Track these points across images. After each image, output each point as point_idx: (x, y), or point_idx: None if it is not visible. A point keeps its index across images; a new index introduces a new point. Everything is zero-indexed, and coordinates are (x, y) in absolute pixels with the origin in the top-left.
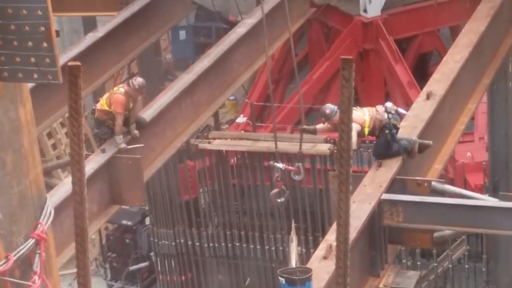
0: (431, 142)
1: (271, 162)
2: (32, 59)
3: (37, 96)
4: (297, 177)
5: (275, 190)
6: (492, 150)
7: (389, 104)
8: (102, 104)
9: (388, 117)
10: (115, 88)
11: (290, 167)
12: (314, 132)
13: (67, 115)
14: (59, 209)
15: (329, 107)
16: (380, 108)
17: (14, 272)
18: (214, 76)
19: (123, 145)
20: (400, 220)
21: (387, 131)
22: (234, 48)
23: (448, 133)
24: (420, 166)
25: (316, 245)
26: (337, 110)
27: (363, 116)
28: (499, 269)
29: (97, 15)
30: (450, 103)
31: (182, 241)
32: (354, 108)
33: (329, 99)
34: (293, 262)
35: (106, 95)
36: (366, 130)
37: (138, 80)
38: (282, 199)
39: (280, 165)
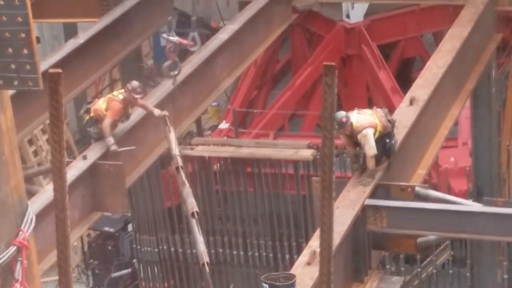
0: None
1: (164, 35)
2: (13, 66)
3: (18, 102)
4: (193, 49)
5: (167, 62)
6: (475, 155)
7: (386, 110)
8: (101, 106)
9: (392, 126)
10: (115, 93)
11: (184, 41)
12: None
13: (48, 121)
14: (41, 216)
15: (343, 115)
16: (380, 112)
17: None
18: (196, 82)
19: (114, 147)
20: (384, 225)
21: (387, 140)
22: (216, 54)
23: (431, 139)
24: (404, 171)
25: (299, 251)
26: (350, 118)
27: (374, 120)
28: (483, 275)
29: (78, 21)
30: (433, 108)
31: (165, 247)
32: (358, 112)
33: (312, 105)
34: (175, 149)
35: (104, 98)
36: (377, 134)
37: (132, 83)
38: (176, 72)
39: (174, 38)
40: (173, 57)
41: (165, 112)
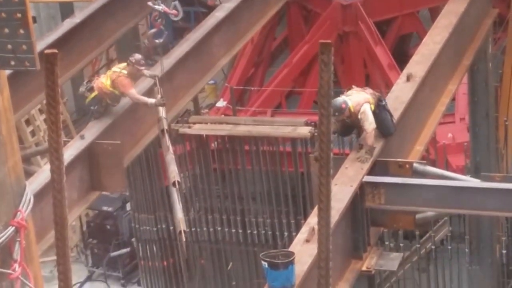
0: None
1: (149, 3)
2: (9, 46)
3: (15, 82)
4: (175, 18)
5: (153, 30)
6: (473, 131)
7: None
8: (105, 84)
9: (374, 92)
10: (117, 69)
11: (168, 10)
12: None
13: (45, 101)
14: (39, 196)
15: (342, 101)
16: (357, 88)
17: None
18: (193, 60)
19: (158, 101)
20: (382, 202)
21: (383, 103)
22: (213, 32)
23: (429, 115)
24: (402, 147)
25: (298, 228)
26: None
27: (364, 95)
28: (482, 250)
29: (74, 0)
30: (430, 84)
31: (163, 226)
32: (346, 95)
33: (309, 82)
34: (162, 112)
35: (106, 75)
36: (373, 106)
37: (135, 56)
38: (161, 40)
39: (159, 7)
40: (158, 26)
41: (156, 73)
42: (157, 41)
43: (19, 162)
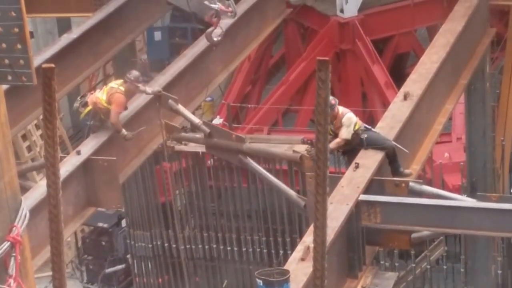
0: None
1: (206, 2)
2: (6, 61)
3: (12, 97)
4: (230, 15)
5: (211, 28)
6: (469, 150)
7: None
8: (100, 99)
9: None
10: (114, 85)
11: (224, 8)
12: None
13: (42, 116)
14: (34, 211)
15: (332, 98)
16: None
17: None
18: (190, 77)
19: (129, 135)
20: (378, 221)
21: (369, 127)
22: (210, 49)
23: (425, 134)
24: None
25: (293, 247)
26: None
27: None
28: (477, 270)
29: (72, 16)
30: (427, 103)
31: (158, 243)
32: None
33: (306, 100)
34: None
35: (103, 90)
36: (357, 126)
37: (133, 73)
38: (220, 38)
39: (215, 6)
40: (216, 24)
41: (159, 88)
42: (215, 39)
43: (15, 178)
